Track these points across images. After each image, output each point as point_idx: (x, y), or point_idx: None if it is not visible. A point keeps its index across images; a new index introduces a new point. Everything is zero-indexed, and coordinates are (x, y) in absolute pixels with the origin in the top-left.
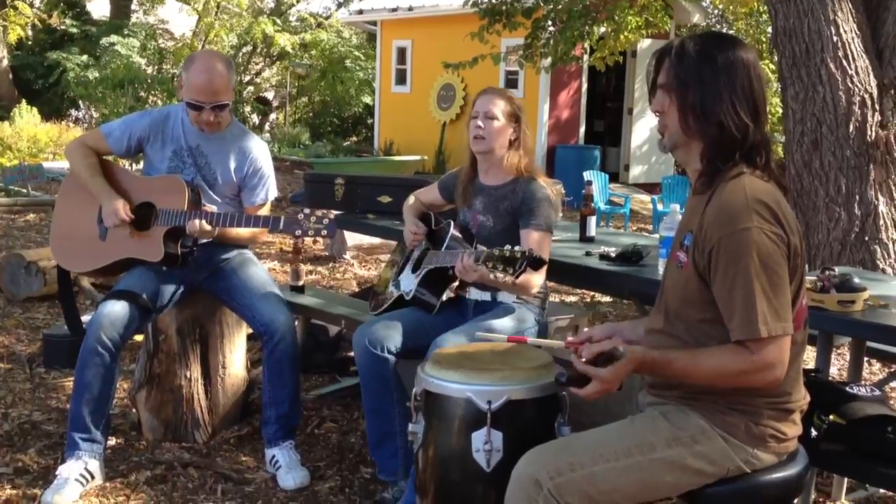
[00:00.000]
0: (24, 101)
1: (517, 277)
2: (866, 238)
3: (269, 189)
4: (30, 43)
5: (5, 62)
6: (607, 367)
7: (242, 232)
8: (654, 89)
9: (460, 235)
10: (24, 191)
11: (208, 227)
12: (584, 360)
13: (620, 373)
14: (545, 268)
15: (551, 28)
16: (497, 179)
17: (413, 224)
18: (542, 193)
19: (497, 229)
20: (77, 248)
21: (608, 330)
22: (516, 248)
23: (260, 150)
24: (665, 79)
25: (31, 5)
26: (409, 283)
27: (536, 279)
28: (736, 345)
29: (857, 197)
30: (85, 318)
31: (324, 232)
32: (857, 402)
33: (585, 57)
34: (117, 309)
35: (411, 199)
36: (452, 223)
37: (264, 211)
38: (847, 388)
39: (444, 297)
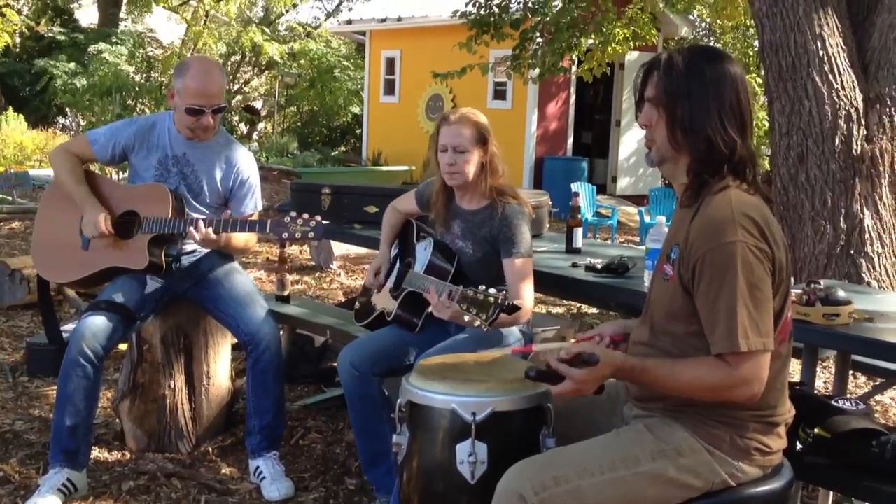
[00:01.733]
0: (10, 108)
1: (490, 325)
2: (852, 251)
3: (257, 199)
4: (17, 50)
5: None
6: (581, 369)
7: (238, 241)
8: (641, 103)
9: (440, 256)
10: (10, 198)
11: (214, 236)
12: (561, 359)
13: (594, 376)
14: (532, 293)
15: (539, 40)
16: (473, 203)
17: (375, 270)
18: (520, 217)
19: (477, 256)
20: (59, 259)
21: (619, 327)
22: (490, 291)
23: (246, 160)
24: (653, 92)
25: (19, 12)
26: (389, 301)
27: (527, 303)
28: (715, 358)
29: (843, 210)
30: (68, 327)
31: (311, 234)
32: (843, 415)
33: (573, 68)
34: (99, 321)
35: (390, 213)
36: (432, 242)
37: None
38: (832, 402)
39: (426, 313)
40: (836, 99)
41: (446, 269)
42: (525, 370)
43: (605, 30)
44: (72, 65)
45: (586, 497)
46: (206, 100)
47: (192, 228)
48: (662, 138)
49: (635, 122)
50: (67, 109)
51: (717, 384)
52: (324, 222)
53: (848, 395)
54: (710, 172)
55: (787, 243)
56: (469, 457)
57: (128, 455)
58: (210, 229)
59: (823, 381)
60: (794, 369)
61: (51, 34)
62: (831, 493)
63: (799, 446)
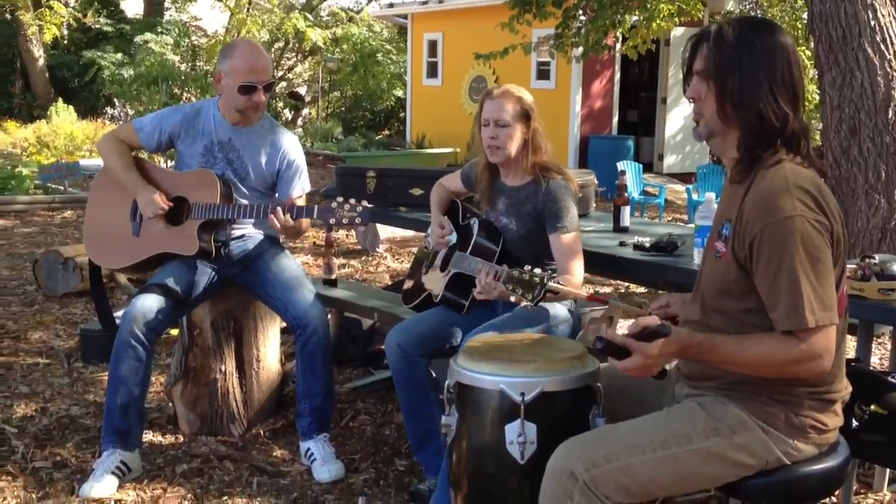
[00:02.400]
0: (60, 99)
1: (535, 305)
2: None
3: (305, 181)
4: (65, 42)
5: (41, 61)
6: (651, 343)
7: (303, 225)
8: (689, 76)
9: (485, 235)
10: (62, 188)
11: (292, 222)
12: (628, 333)
13: (664, 350)
14: (581, 268)
15: (582, 17)
16: (517, 180)
17: (438, 224)
18: (564, 191)
19: (521, 233)
20: (111, 245)
21: (667, 299)
22: (536, 271)
23: (291, 143)
24: (702, 65)
25: (67, 5)
26: (438, 282)
27: (577, 279)
28: (784, 334)
29: None
30: (120, 314)
31: (357, 220)
32: None
33: (618, 46)
34: (150, 303)
35: (437, 189)
36: (478, 222)
37: (300, 203)
38: (889, 378)
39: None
40: (889, 70)
41: (492, 248)
42: (594, 340)
43: (649, 5)
44: (119, 55)
45: (637, 474)
46: (256, 76)
47: (271, 216)
48: (711, 112)
49: (681, 99)
50: (115, 100)
51: (787, 360)
52: (369, 206)
53: None
54: (762, 147)
55: (841, 216)
56: (518, 437)
57: (181, 438)
58: (289, 215)
59: (879, 357)
60: (850, 345)
61: (98, 26)
62: (888, 470)
63: (855, 423)
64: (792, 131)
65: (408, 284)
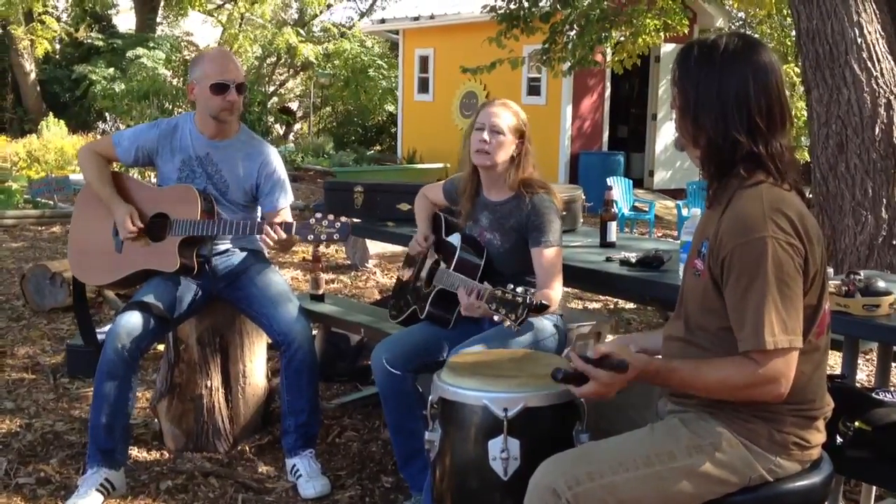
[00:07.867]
0: (51, 114)
1: (520, 324)
2: (894, 241)
3: (287, 191)
4: (57, 57)
5: (33, 76)
6: (606, 372)
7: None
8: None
9: (468, 251)
10: (51, 203)
11: (284, 235)
12: (587, 359)
13: (619, 379)
14: (561, 284)
15: (570, 33)
16: (500, 195)
17: (423, 235)
18: (548, 206)
19: (505, 247)
20: (94, 262)
21: (621, 342)
22: (518, 290)
23: (269, 154)
24: (673, 78)
25: (58, 20)
26: (421, 298)
27: (556, 294)
28: (742, 356)
29: (884, 200)
30: (106, 329)
31: (336, 236)
32: (884, 407)
33: (607, 60)
34: (134, 320)
35: (421, 199)
36: (461, 237)
37: (285, 214)
38: (873, 394)
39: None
40: (875, 86)
41: (476, 263)
42: (552, 372)
43: (636, 21)
44: (110, 70)
45: (620, 492)
46: (228, 75)
47: (263, 235)
48: (677, 125)
49: (671, 116)
50: (107, 114)
51: (743, 383)
52: (353, 221)
53: (890, 388)
54: (721, 169)
55: (822, 239)
56: (501, 453)
57: (166, 455)
58: (282, 231)
59: (866, 373)
60: (836, 362)
61: (89, 40)
62: (874, 487)
63: (839, 440)
64: (748, 155)
65: (393, 303)
